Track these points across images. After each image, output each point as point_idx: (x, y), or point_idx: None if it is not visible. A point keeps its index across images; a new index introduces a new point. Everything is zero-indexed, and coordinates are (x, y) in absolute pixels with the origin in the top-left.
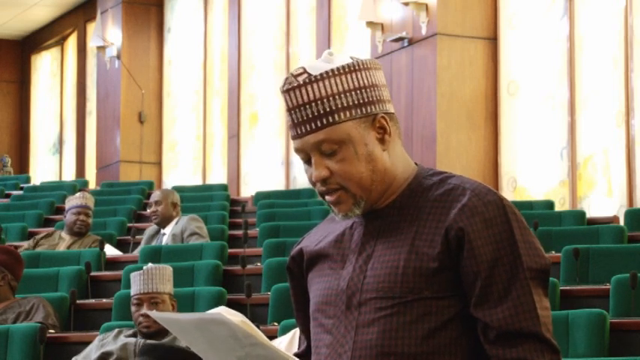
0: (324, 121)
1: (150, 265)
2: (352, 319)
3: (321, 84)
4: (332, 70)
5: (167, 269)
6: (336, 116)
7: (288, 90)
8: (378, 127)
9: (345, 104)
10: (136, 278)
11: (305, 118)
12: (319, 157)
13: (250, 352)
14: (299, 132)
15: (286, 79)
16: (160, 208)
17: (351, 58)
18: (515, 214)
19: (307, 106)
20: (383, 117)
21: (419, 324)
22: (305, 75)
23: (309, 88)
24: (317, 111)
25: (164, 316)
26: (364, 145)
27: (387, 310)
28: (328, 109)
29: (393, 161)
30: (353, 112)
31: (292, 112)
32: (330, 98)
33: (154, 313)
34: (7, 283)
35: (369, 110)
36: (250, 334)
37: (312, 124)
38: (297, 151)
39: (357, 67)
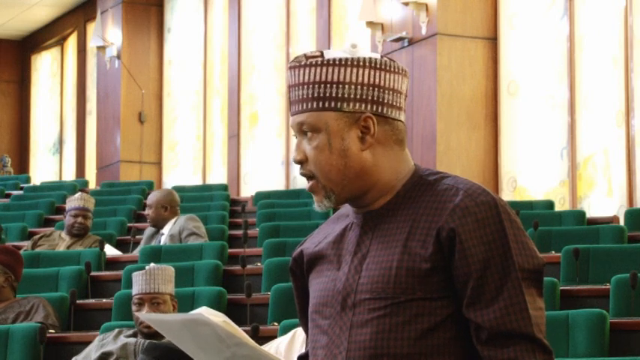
0: (310, 105)
1: (152, 265)
2: (347, 320)
3: (320, 69)
4: (340, 60)
5: (169, 270)
6: (320, 103)
7: (292, 67)
8: (363, 126)
9: (334, 95)
10: (137, 278)
11: (298, 97)
12: (301, 140)
13: (236, 352)
14: (292, 110)
15: (297, 56)
16: (150, 212)
17: (381, 56)
18: (508, 214)
19: (302, 87)
20: (370, 117)
21: (412, 325)
22: (318, 58)
23: (309, 70)
24: (307, 94)
25: (152, 317)
26: (340, 139)
27: (381, 311)
28: (316, 95)
29: (377, 163)
30: (339, 104)
31: (290, 89)
32: (323, 85)
33: (142, 315)
34: (9, 284)
35: (356, 107)
36: (233, 335)
37: (301, 105)
38: (291, 127)
39: (367, 64)
